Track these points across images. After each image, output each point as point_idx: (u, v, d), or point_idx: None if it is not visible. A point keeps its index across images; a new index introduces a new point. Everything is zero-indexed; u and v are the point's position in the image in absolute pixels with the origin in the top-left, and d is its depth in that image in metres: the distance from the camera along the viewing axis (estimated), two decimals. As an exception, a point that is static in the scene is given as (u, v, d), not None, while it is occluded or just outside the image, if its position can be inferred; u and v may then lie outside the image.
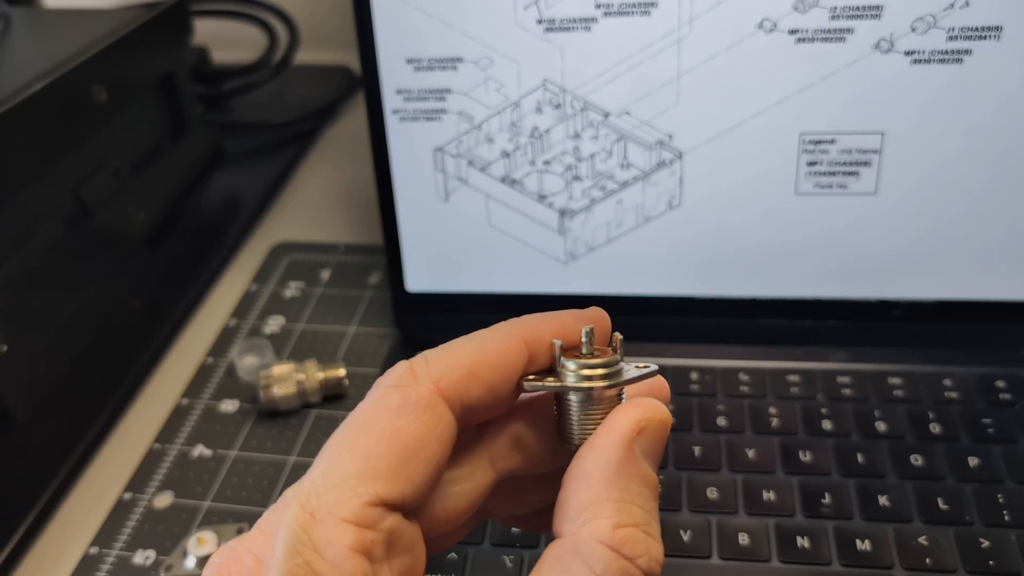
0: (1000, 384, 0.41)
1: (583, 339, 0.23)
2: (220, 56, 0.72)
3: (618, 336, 0.24)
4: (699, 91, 0.40)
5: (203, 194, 0.61)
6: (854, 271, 0.42)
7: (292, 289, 0.52)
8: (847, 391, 0.41)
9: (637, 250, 0.43)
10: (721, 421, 0.40)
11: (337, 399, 0.45)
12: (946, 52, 0.38)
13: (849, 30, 0.38)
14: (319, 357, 0.47)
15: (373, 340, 0.48)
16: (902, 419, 0.40)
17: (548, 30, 0.40)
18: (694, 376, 0.43)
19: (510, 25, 0.40)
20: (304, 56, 0.71)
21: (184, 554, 0.37)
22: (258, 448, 0.42)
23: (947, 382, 0.41)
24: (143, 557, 0.38)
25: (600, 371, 0.23)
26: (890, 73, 0.39)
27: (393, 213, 0.44)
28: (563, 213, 0.43)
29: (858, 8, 0.38)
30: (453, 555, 0.36)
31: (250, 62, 0.69)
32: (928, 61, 0.38)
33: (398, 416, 0.21)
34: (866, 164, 0.40)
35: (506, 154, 0.42)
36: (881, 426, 0.40)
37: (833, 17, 0.38)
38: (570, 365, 0.23)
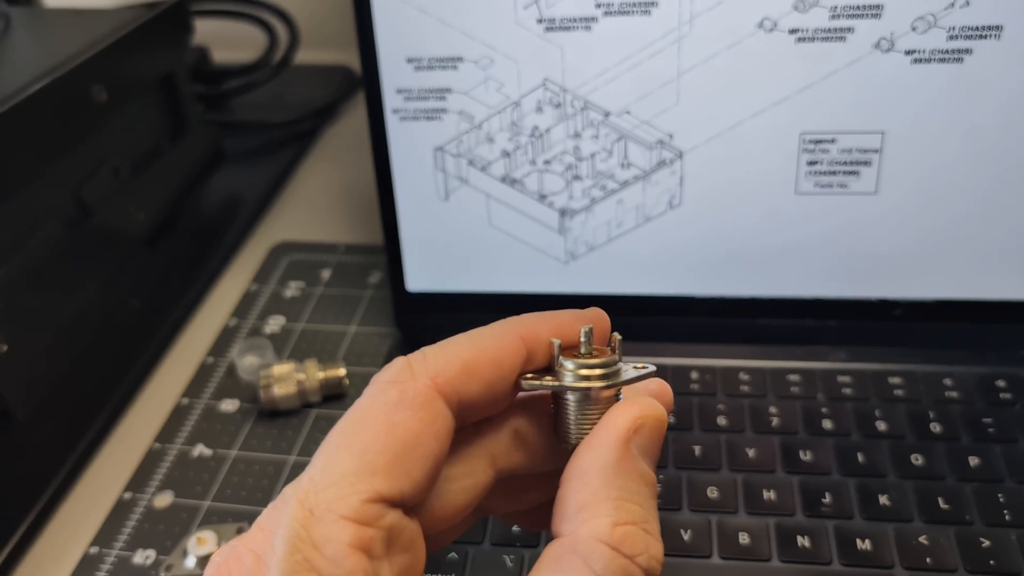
0: (1000, 384, 0.41)
1: (582, 339, 0.23)
2: (220, 56, 0.72)
3: (617, 336, 0.24)
4: (699, 90, 0.40)
5: (203, 194, 0.61)
6: (854, 271, 0.42)
7: (292, 289, 0.52)
8: (847, 390, 0.41)
9: (637, 250, 0.43)
10: (721, 420, 0.40)
11: (337, 399, 0.45)
12: (946, 51, 0.38)
13: (849, 29, 0.38)
14: (319, 357, 0.47)
15: (373, 340, 0.48)
16: (902, 419, 0.40)
17: (548, 29, 0.40)
18: (694, 375, 0.43)
19: (510, 24, 0.40)
20: (304, 56, 0.71)
21: (184, 554, 0.37)
22: (258, 448, 0.42)
23: (947, 382, 0.41)
24: (143, 557, 0.38)
25: (598, 371, 0.23)
26: (890, 72, 0.39)
27: (393, 213, 0.44)
28: (563, 213, 0.43)
29: (858, 7, 0.38)
30: (453, 554, 0.36)
31: (250, 62, 0.69)
32: (928, 60, 0.38)
33: (395, 412, 0.21)
34: (866, 163, 0.40)
35: (506, 154, 0.42)
36: (881, 425, 0.40)
37: (833, 16, 0.38)
38: (568, 365, 0.23)
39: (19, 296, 0.42)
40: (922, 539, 0.35)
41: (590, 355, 0.23)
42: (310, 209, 0.60)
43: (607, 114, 0.41)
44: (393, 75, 0.42)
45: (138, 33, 0.50)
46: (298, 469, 0.41)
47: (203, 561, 0.37)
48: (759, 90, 0.40)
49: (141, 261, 0.52)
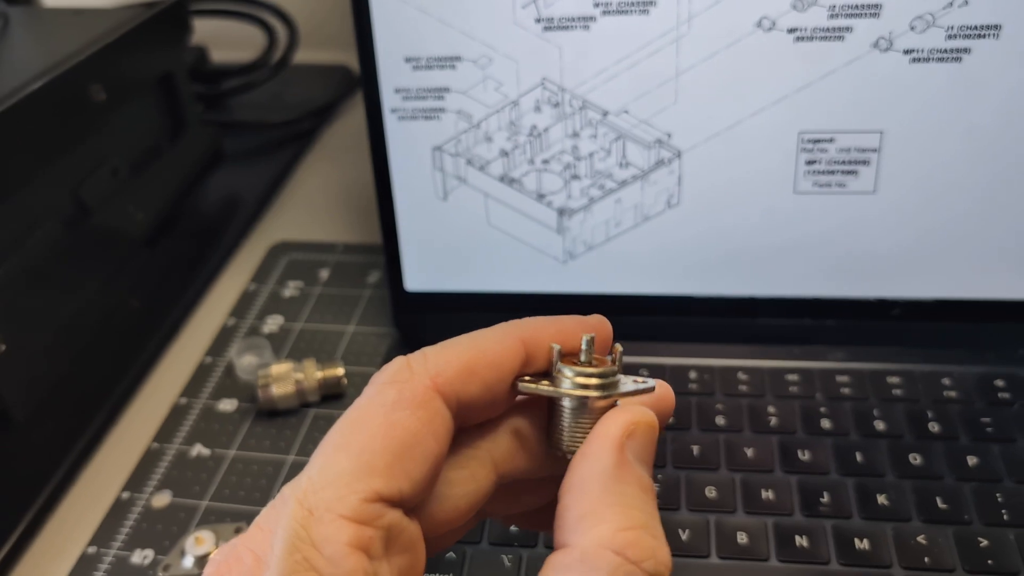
0: (999, 383, 0.41)
1: (583, 346, 0.23)
2: (219, 55, 0.72)
3: (619, 348, 0.24)
4: (698, 90, 0.40)
5: (202, 194, 0.61)
6: (853, 270, 0.42)
7: (291, 288, 0.52)
8: (846, 390, 0.41)
9: (636, 249, 0.43)
10: (720, 420, 0.40)
11: (336, 398, 0.45)
12: (945, 51, 0.38)
13: (848, 29, 0.38)
14: (318, 356, 0.47)
15: (372, 339, 0.48)
16: (901, 418, 0.40)
17: (547, 29, 0.40)
18: (693, 375, 0.43)
19: (509, 24, 0.40)
20: (303, 56, 0.71)
21: (182, 553, 0.37)
22: (256, 447, 0.42)
23: (946, 381, 0.41)
24: (141, 556, 0.38)
25: (596, 380, 0.23)
26: (889, 72, 0.38)
27: (392, 212, 0.44)
28: (562, 212, 0.43)
29: (857, 7, 0.38)
30: (452, 554, 0.36)
31: (249, 61, 0.68)
32: (927, 60, 0.38)
33: (393, 412, 0.21)
34: (865, 163, 0.40)
35: (505, 153, 0.42)
36: (880, 425, 0.40)
37: (832, 16, 0.38)
38: (567, 371, 0.23)
39: (18, 296, 0.42)
40: (920, 539, 0.35)
41: (590, 364, 0.23)
42: (309, 209, 0.60)
43: (605, 113, 0.41)
44: (391, 75, 0.42)
45: (137, 32, 0.50)
46: (296, 469, 0.41)
47: (201, 561, 0.37)
48: (757, 89, 0.40)
49: (140, 261, 0.52)
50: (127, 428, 0.45)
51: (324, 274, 0.53)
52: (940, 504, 0.36)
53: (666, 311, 0.44)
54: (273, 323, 0.50)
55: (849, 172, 0.40)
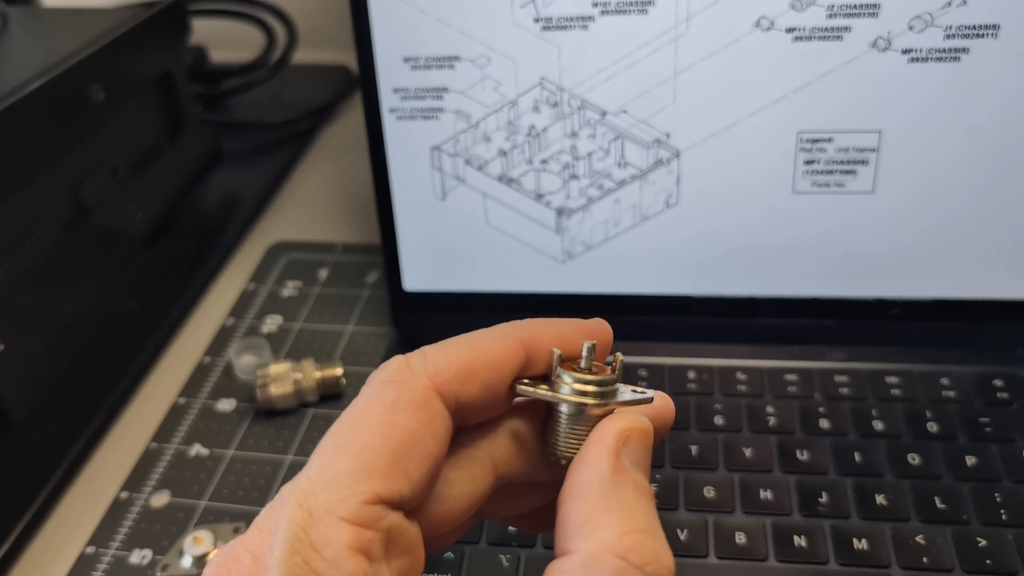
0: (998, 383, 0.41)
1: (584, 352, 0.23)
2: (218, 55, 0.72)
3: (619, 356, 0.24)
4: (696, 90, 0.40)
5: (201, 194, 0.61)
6: (851, 270, 0.42)
7: (290, 288, 0.52)
8: (845, 390, 0.41)
9: (634, 249, 0.43)
10: (718, 420, 0.40)
11: (334, 398, 0.45)
12: (943, 51, 0.38)
13: (846, 28, 0.38)
14: (316, 356, 0.47)
15: (370, 339, 0.48)
16: (899, 418, 0.40)
17: (545, 28, 0.40)
18: (691, 375, 0.43)
19: (507, 24, 0.40)
20: (302, 55, 0.71)
21: (180, 553, 0.37)
22: (255, 447, 0.42)
23: (944, 381, 0.41)
24: (139, 556, 0.38)
25: (594, 388, 0.22)
26: (887, 72, 0.38)
27: (390, 212, 0.44)
28: (560, 212, 0.43)
29: (855, 6, 0.38)
30: (450, 554, 0.36)
31: (248, 61, 0.68)
32: (925, 60, 0.38)
33: (393, 412, 0.21)
34: (863, 163, 0.40)
35: (503, 153, 0.42)
36: (878, 425, 0.40)
37: (830, 15, 0.38)
38: (566, 377, 0.23)
39: (17, 296, 0.42)
40: (919, 539, 0.35)
41: (589, 371, 0.23)
42: (308, 209, 0.60)
43: (604, 113, 0.41)
44: (390, 74, 0.42)
45: (136, 32, 0.50)
46: (295, 469, 0.41)
47: (199, 561, 0.37)
48: (756, 89, 0.40)
49: (139, 261, 0.52)
50: (126, 428, 0.45)
51: (323, 274, 0.53)
52: (939, 504, 0.36)
53: (665, 311, 0.44)
54: (272, 323, 0.50)
55: (848, 172, 0.40)
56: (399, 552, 0.21)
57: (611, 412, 0.23)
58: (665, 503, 0.37)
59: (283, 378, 0.43)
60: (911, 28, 0.38)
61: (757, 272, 0.43)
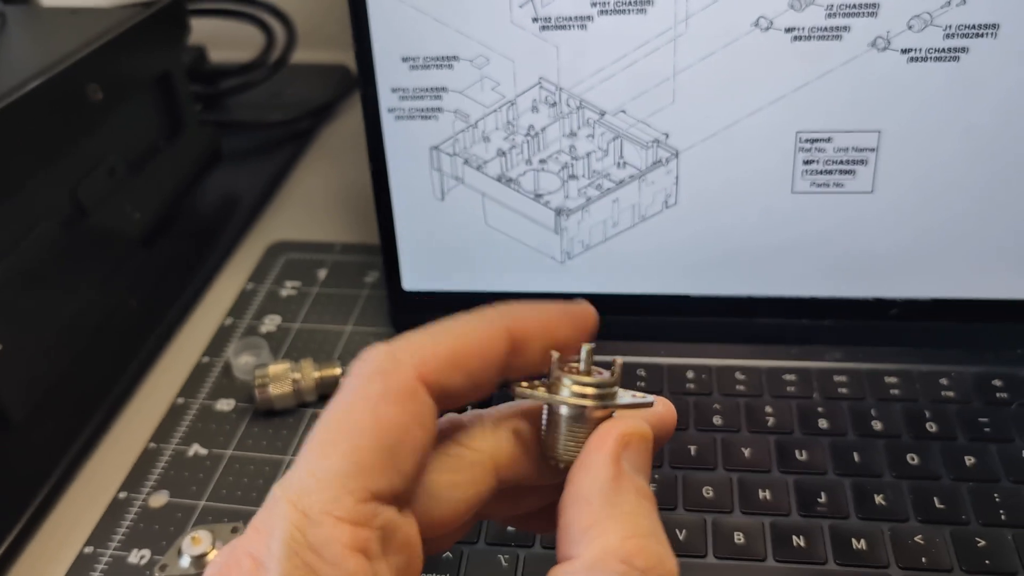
0: (997, 383, 0.41)
1: (582, 355, 0.23)
2: (217, 55, 0.72)
3: (619, 360, 0.23)
4: (695, 89, 0.40)
5: (200, 193, 0.61)
6: (850, 270, 0.42)
7: (288, 288, 0.52)
8: (843, 390, 0.41)
9: (633, 249, 0.43)
10: (717, 420, 0.40)
11: (333, 398, 0.44)
12: (943, 50, 0.38)
13: (845, 28, 0.38)
14: (315, 356, 0.47)
15: (369, 339, 0.48)
16: (898, 418, 0.40)
17: (544, 28, 0.40)
18: (690, 375, 0.43)
19: (506, 23, 0.40)
20: (301, 55, 0.71)
21: (179, 553, 0.37)
22: (254, 447, 0.42)
23: (944, 381, 0.41)
24: (138, 556, 0.38)
25: (593, 390, 0.22)
26: (886, 71, 0.38)
27: (389, 212, 0.44)
28: (559, 212, 0.43)
29: (854, 6, 0.38)
30: (448, 554, 0.36)
31: (247, 61, 0.68)
32: (925, 59, 0.38)
33: (380, 406, 0.21)
34: (862, 163, 0.40)
35: (502, 153, 0.42)
36: (877, 425, 0.40)
37: (829, 15, 0.38)
38: (565, 380, 0.23)
39: (15, 296, 0.42)
40: (918, 539, 0.35)
41: (588, 374, 0.23)
42: (307, 208, 0.60)
43: (603, 113, 0.41)
44: (388, 74, 0.42)
45: (134, 32, 0.50)
46: (293, 469, 0.41)
47: (198, 561, 0.37)
48: (755, 89, 0.40)
49: (137, 261, 0.52)
50: (124, 428, 0.45)
51: (322, 274, 0.53)
52: (937, 504, 0.36)
53: (663, 311, 0.44)
54: (271, 323, 0.50)
55: (847, 172, 0.40)
56: (396, 548, 0.21)
57: (611, 416, 0.23)
58: (663, 503, 0.37)
59: (282, 378, 0.43)
60: (910, 28, 0.38)
61: (756, 272, 0.43)
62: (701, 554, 0.35)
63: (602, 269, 0.44)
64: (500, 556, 0.35)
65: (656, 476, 0.38)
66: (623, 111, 0.41)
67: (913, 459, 0.38)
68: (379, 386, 0.21)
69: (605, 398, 0.22)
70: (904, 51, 0.38)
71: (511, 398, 0.24)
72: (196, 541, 0.37)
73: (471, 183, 0.43)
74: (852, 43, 0.38)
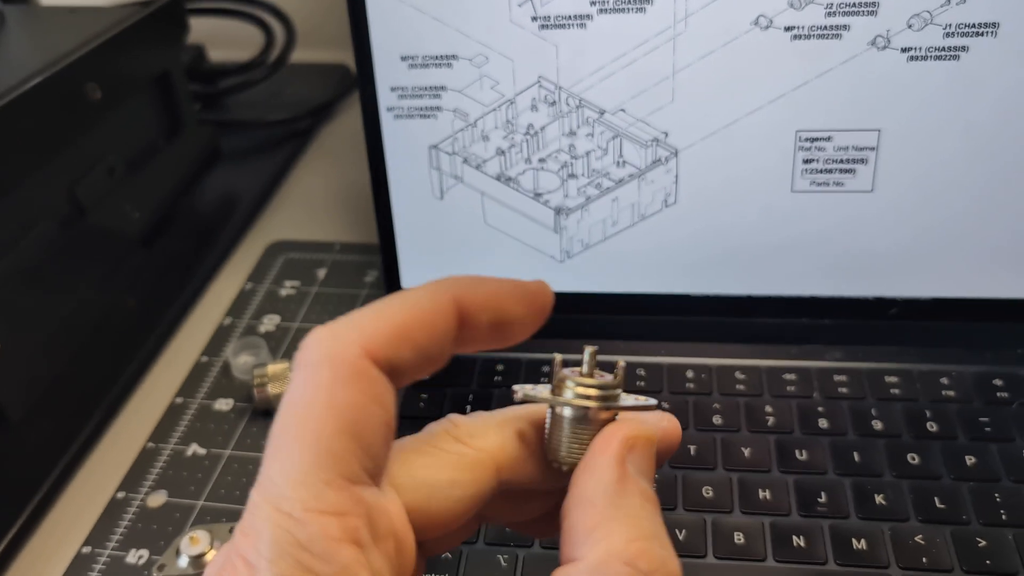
0: (998, 383, 0.41)
1: (585, 357, 0.23)
2: (216, 54, 0.72)
3: (621, 363, 0.23)
4: (695, 88, 0.40)
5: (199, 193, 0.61)
6: (850, 269, 0.42)
7: (287, 288, 0.52)
8: (843, 389, 0.41)
9: (633, 248, 0.43)
10: (717, 419, 0.40)
11: (332, 398, 0.44)
12: (943, 49, 0.38)
13: (845, 27, 0.38)
14: (314, 356, 0.46)
15: (368, 339, 0.48)
16: (899, 418, 0.40)
17: (543, 27, 0.40)
18: (690, 374, 0.43)
19: (505, 22, 0.40)
20: (301, 54, 0.71)
21: (177, 553, 0.37)
22: (252, 447, 0.42)
23: (944, 380, 0.41)
24: (136, 556, 0.37)
25: (596, 392, 0.22)
26: (886, 70, 0.38)
27: (388, 211, 0.44)
28: (559, 211, 0.43)
29: (854, 5, 0.37)
30: (448, 554, 0.35)
31: (246, 60, 0.68)
32: (924, 58, 0.38)
33: (334, 392, 0.20)
34: (862, 161, 0.40)
35: (501, 152, 0.42)
36: (877, 425, 0.40)
37: (829, 14, 0.38)
38: (568, 382, 0.23)
39: (14, 295, 0.42)
40: (918, 539, 0.35)
41: (591, 376, 0.23)
42: (306, 208, 0.60)
43: (602, 112, 0.41)
44: (387, 73, 0.42)
45: (133, 31, 0.50)
46: (292, 468, 0.41)
47: (196, 561, 0.36)
48: (755, 88, 0.39)
49: (136, 260, 0.52)
50: (123, 427, 0.44)
51: (321, 273, 0.53)
52: (938, 504, 0.36)
53: (663, 310, 0.44)
54: (270, 322, 0.50)
55: (847, 171, 0.40)
56: (383, 533, 0.21)
57: (614, 419, 0.23)
58: (663, 502, 0.37)
59: (281, 378, 0.43)
60: (910, 26, 0.38)
61: (756, 271, 0.43)
62: (701, 554, 0.35)
63: (602, 268, 0.44)
64: (499, 556, 0.35)
65: (656, 476, 0.38)
66: (622, 110, 0.41)
67: (913, 459, 0.38)
68: (328, 372, 0.20)
69: (608, 400, 0.22)
70: (904, 50, 0.38)
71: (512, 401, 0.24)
72: (194, 541, 0.37)
73: (470, 182, 0.43)
74: (852, 42, 0.38)
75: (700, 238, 0.42)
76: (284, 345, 0.48)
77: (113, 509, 0.40)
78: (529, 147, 0.42)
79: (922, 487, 0.37)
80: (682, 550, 0.35)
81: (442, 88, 0.42)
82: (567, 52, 0.40)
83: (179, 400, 0.45)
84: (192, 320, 0.51)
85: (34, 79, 0.42)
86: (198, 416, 0.44)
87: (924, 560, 0.34)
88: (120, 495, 0.40)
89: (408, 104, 0.42)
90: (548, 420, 0.24)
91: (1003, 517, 0.35)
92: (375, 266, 0.53)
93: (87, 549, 0.38)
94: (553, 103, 0.41)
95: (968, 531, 0.35)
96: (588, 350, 0.23)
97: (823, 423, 0.40)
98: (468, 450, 0.23)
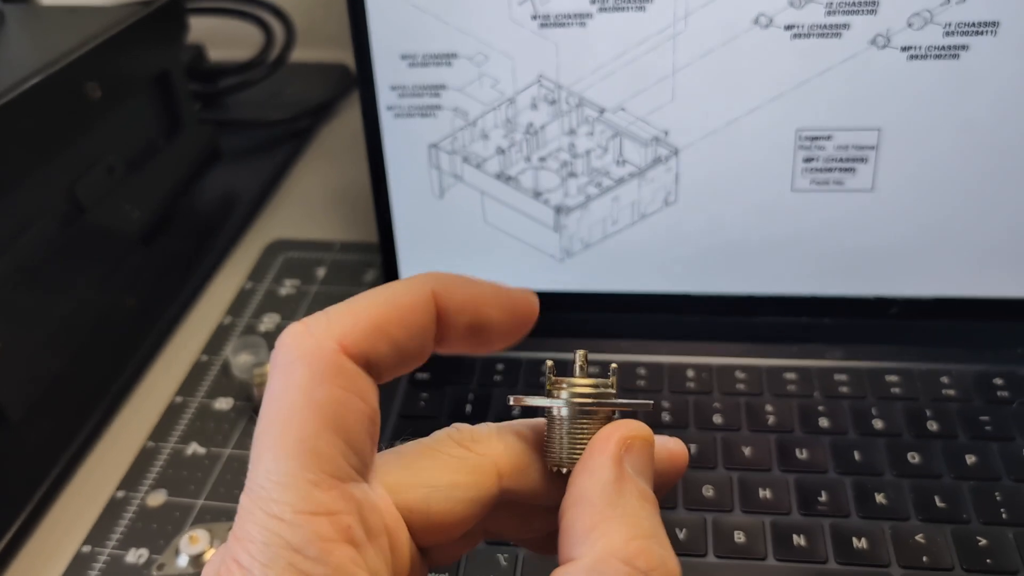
0: (998, 382, 0.41)
1: (577, 362, 0.23)
2: (216, 54, 0.72)
3: (614, 365, 0.24)
4: (695, 87, 0.40)
5: (198, 192, 0.60)
6: (851, 268, 0.42)
7: (287, 287, 0.52)
8: (844, 389, 0.41)
9: (633, 247, 0.43)
10: (717, 419, 0.40)
11: (332, 397, 0.44)
12: (942, 48, 0.38)
13: (845, 26, 0.38)
14: (314, 355, 0.46)
15: (368, 338, 0.48)
16: (899, 417, 0.40)
17: (543, 26, 0.40)
18: (690, 374, 0.43)
19: (505, 21, 0.40)
20: (300, 54, 0.71)
21: (176, 552, 0.37)
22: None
23: (944, 379, 0.41)
24: (136, 555, 0.37)
25: (590, 390, 0.23)
26: (886, 69, 0.38)
27: (388, 210, 0.44)
28: (559, 210, 0.43)
29: (854, 3, 0.37)
30: (447, 553, 0.35)
31: (246, 60, 0.68)
32: (924, 57, 0.38)
33: (312, 390, 0.20)
34: (862, 160, 0.40)
35: (501, 151, 0.42)
36: (878, 424, 0.39)
37: (829, 13, 0.38)
38: (563, 384, 0.23)
39: (13, 294, 0.42)
40: (919, 537, 0.35)
41: (584, 378, 0.23)
42: (306, 207, 0.60)
43: (602, 111, 0.41)
44: (387, 71, 0.42)
45: (133, 30, 0.50)
46: (292, 467, 0.41)
47: (195, 560, 0.36)
48: (755, 87, 0.39)
49: (136, 259, 0.52)
50: (122, 426, 0.44)
51: (321, 272, 0.53)
52: (938, 503, 0.36)
53: (663, 309, 0.44)
54: (269, 321, 0.50)
55: (847, 169, 0.40)
56: (377, 530, 0.21)
57: (610, 417, 0.23)
58: (663, 502, 0.37)
59: (280, 377, 0.43)
60: (910, 25, 0.38)
61: (756, 270, 0.43)
62: (701, 553, 0.35)
63: (602, 267, 0.44)
64: (499, 556, 0.35)
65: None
66: (623, 108, 0.41)
67: (914, 458, 0.38)
68: (304, 369, 0.20)
69: (603, 397, 0.23)
70: (904, 49, 0.38)
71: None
72: (194, 540, 0.37)
73: (470, 181, 0.43)
74: (852, 41, 0.38)
75: (700, 237, 0.42)
76: (284, 344, 0.48)
77: (113, 508, 0.40)
78: (529, 146, 0.42)
79: (923, 486, 0.37)
80: (683, 549, 0.35)
81: (442, 87, 0.41)
82: (567, 51, 0.40)
83: (179, 399, 0.45)
84: (192, 319, 0.51)
85: (34, 78, 0.42)
86: (198, 415, 0.44)
87: (925, 559, 0.34)
88: (120, 494, 0.40)
89: (408, 103, 0.42)
90: (546, 427, 0.24)
91: (1003, 516, 0.35)
92: (375, 265, 0.53)
93: (87, 548, 0.38)
94: (553, 102, 0.41)
95: (968, 530, 0.35)
96: (579, 353, 0.23)
97: (823, 422, 0.40)
98: (470, 454, 0.23)
